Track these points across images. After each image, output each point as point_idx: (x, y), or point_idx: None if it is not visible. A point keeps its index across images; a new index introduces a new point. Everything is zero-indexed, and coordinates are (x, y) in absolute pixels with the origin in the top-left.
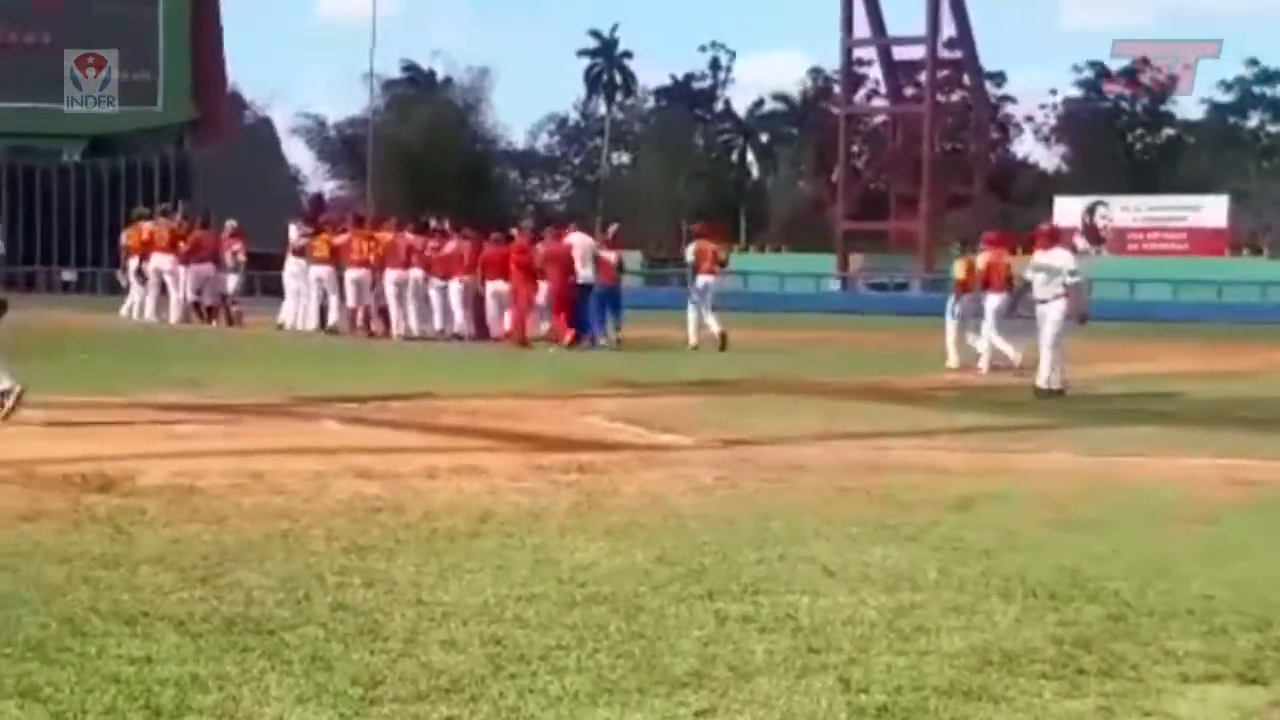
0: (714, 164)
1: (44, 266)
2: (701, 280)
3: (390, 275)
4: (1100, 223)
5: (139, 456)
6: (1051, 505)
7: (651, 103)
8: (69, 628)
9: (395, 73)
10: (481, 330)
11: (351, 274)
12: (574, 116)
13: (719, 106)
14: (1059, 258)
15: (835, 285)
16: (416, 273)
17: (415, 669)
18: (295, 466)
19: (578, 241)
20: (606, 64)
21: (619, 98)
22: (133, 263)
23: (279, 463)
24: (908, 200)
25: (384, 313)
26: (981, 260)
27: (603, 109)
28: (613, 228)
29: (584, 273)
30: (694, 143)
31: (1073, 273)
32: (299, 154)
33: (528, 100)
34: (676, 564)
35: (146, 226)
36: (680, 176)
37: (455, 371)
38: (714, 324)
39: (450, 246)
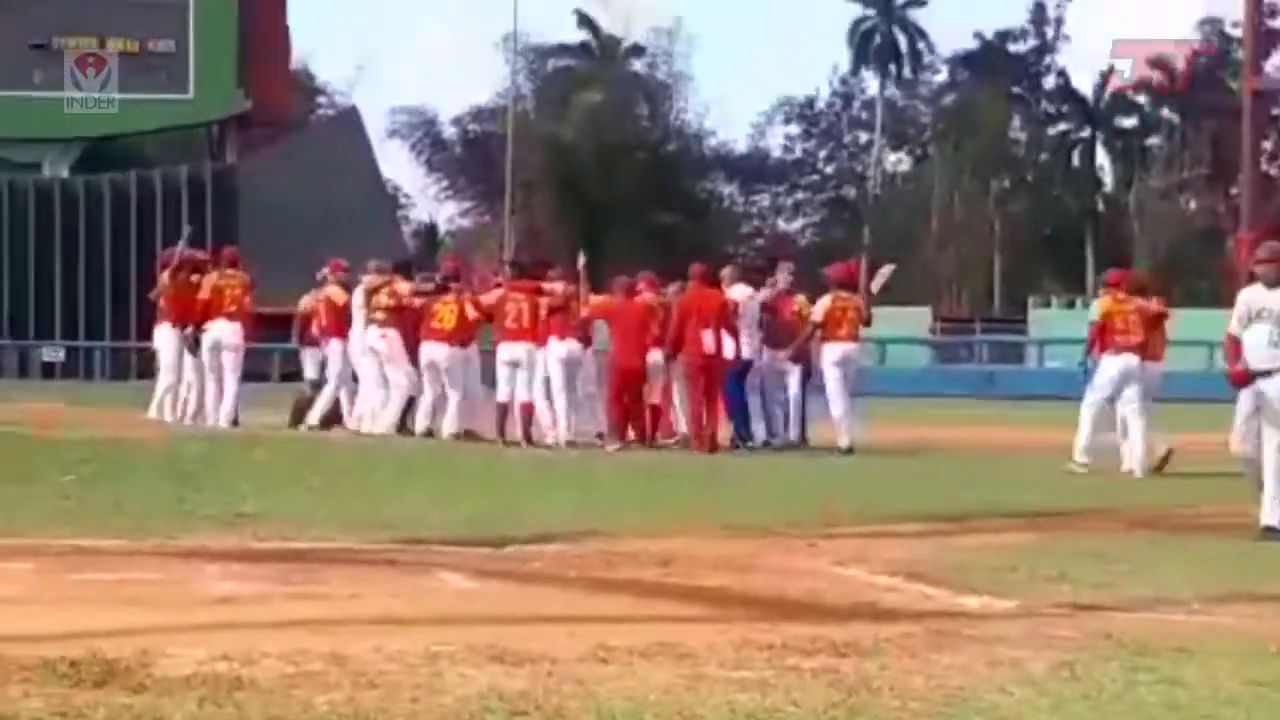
0: (1043, 169)
1: (14, 341)
2: (1122, 361)
3: (560, 351)
4: None
5: (157, 630)
6: None
7: (945, 75)
8: None
9: (545, 36)
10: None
11: (508, 351)
12: (825, 98)
13: (1049, 81)
14: None
15: None
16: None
17: None
18: (396, 645)
19: (740, 295)
20: (883, 19)
21: (900, 70)
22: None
23: (370, 639)
24: None
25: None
26: None
27: (872, 87)
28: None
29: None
30: (1010, 137)
31: None
32: (397, 164)
33: (742, 79)
34: None
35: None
36: (991, 189)
37: (634, 496)
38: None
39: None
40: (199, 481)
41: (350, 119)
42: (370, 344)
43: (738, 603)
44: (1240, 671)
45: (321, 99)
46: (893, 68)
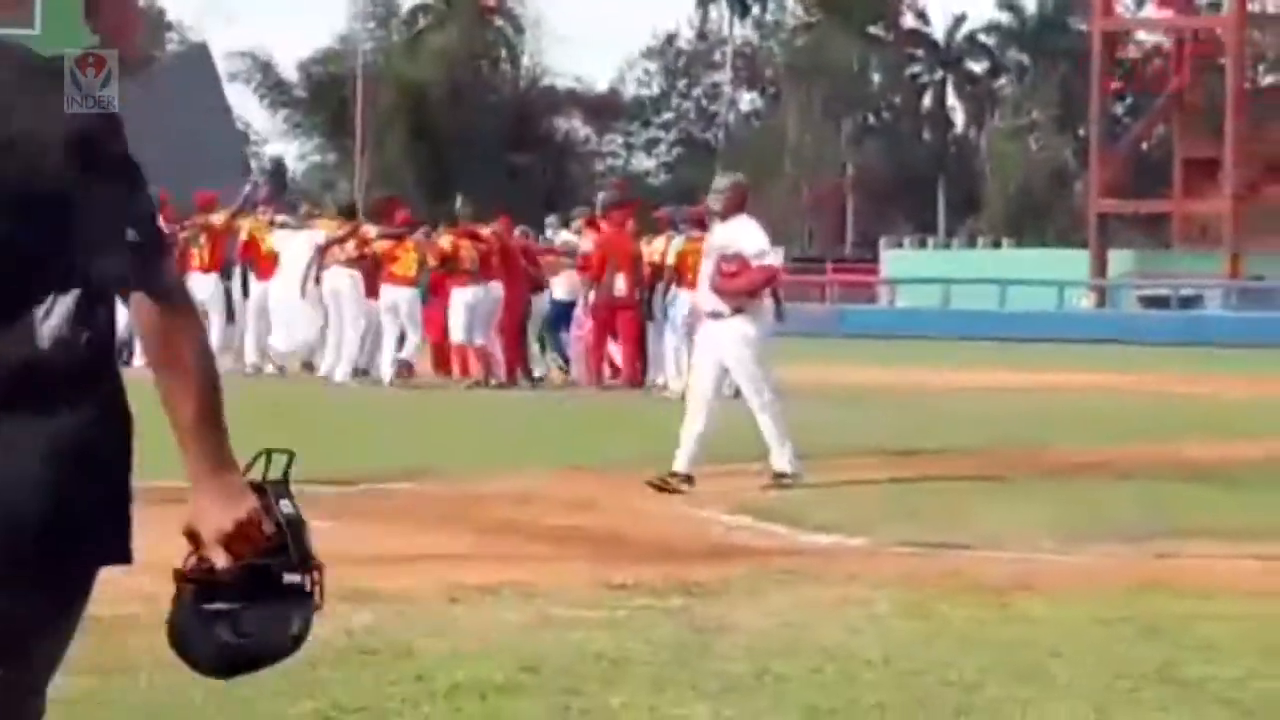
0: (896, 111)
1: None
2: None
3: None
4: None
5: None
6: None
7: (800, 15)
8: None
9: None
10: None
11: (467, 294)
12: (687, 38)
13: (905, 21)
14: None
15: (1088, 299)
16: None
17: None
18: None
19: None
20: None
21: (753, 10)
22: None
23: None
24: (1201, 166)
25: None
26: None
27: (725, 27)
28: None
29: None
30: (865, 77)
31: None
32: (242, 104)
33: (612, 28)
34: None
35: None
36: (842, 129)
37: (506, 432)
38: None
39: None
40: None
41: (200, 55)
42: (335, 285)
43: (589, 542)
44: (1089, 610)
45: (172, 35)
46: (755, 7)
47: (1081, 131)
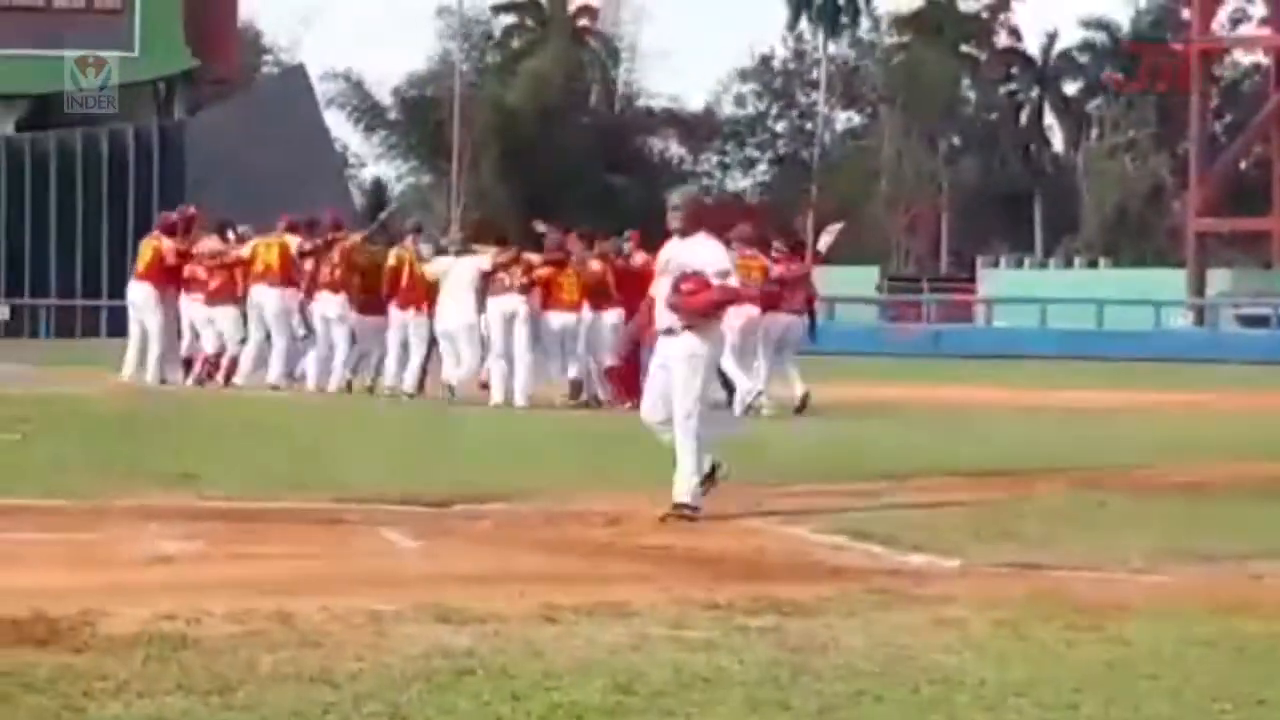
0: (992, 129)
1: None
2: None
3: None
4: None
5: (100, 590)
6: None
7: (895, 37)
8: None
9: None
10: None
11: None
12: (782, 57)
13: (999, 40)
14: None
15: (1185, 318)
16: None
17: None
18: (341, 605)
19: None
20: None
21: (838, 26)
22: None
23: (315, 599)
24: None
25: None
26: None
27: (820, 47)
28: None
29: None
30: (960, 95)
31: None
32: (337, 126)
33: (701, 38)
34: None
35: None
36: (939, 148)
37: (586, 456)
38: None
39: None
40: (146, 441)
41: (297, 76)
42: (506, 310)
43: (683, 562)
44: (1182, 631)
45: (267, 57)
46: (845, 25)
47: (1179, 150)
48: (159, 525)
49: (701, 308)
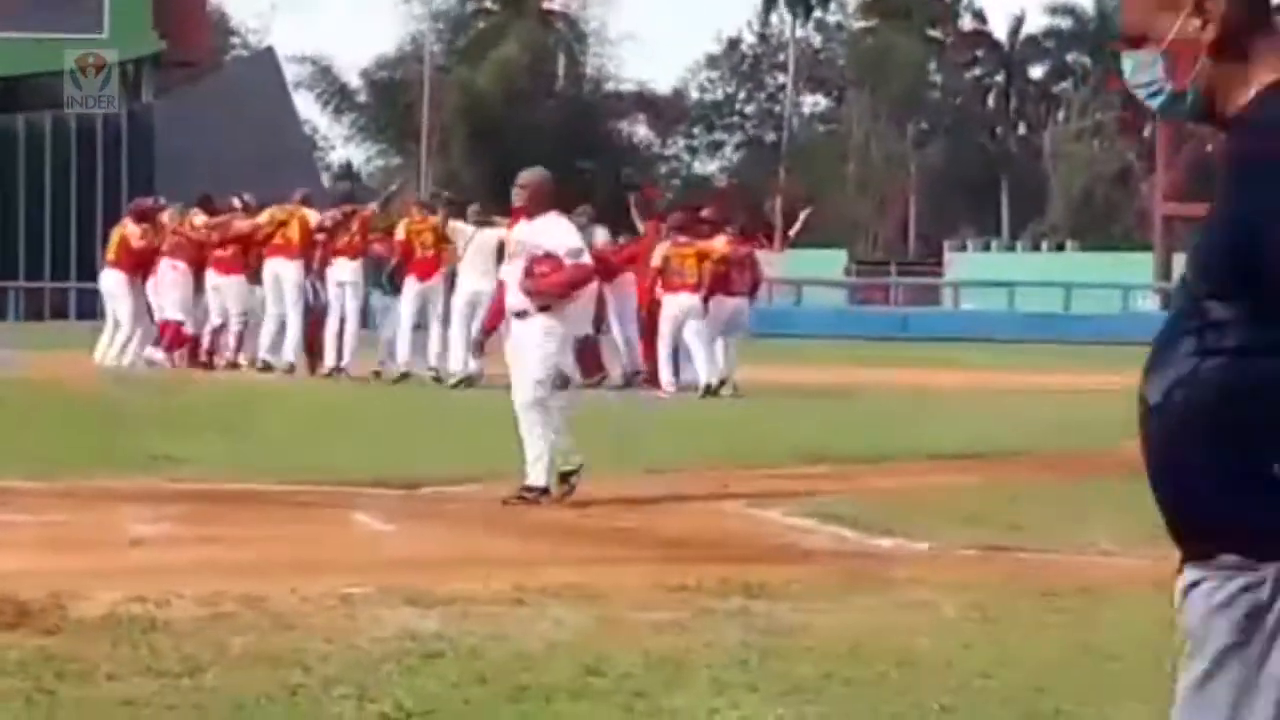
0: (959, 113)
1: None
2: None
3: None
4: None
5: (70, 573)
6: None
7: (862, 21)
8: None
9: None
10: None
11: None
12: (750, 41)
13: (965, 23)
14: None
15: (1152, 301)
16: None
17: None
18: (311, 588)
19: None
20: None
21: (810, 12)
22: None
23: (285, 581)
24: None
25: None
26: None
27: (788, 30)
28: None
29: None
30: (926, 79)
31: None
32: (306, 110)
33: (675, 33)
34: None
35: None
36: (906, 132)
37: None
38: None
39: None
40: (117, 424)
41: (266, 59)
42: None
43: (651, 544)
44: (1151, 612)
45: (235, 40)
46: (815, 7)
47: (1146, 134)
48: (130, 508)
49: (555, 289)
